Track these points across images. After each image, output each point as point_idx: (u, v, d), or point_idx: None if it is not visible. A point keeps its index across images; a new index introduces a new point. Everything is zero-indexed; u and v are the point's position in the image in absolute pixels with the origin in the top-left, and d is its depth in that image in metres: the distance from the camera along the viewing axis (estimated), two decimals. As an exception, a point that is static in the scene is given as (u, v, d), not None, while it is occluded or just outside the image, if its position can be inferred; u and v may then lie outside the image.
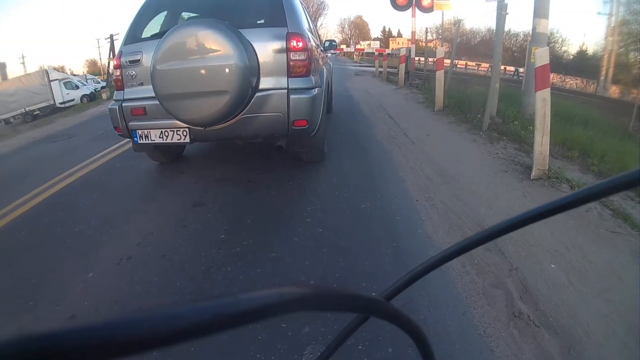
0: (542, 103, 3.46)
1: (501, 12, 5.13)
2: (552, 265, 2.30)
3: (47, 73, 23.49)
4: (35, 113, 21.82)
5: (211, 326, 0.19)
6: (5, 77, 28.58)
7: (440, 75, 6.92)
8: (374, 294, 0.38)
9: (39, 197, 3.91)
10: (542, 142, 3.48)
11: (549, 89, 3.48)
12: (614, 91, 22.15)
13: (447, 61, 10.07)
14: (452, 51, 9.40)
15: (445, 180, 3.57)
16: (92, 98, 23.10)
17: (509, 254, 2.39)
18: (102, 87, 24.91)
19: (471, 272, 2.22)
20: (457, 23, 8.87)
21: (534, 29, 6.00)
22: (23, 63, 47.31)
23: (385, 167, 4.00)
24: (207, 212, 3.13)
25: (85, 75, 36.27)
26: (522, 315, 1.91)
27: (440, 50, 7.05)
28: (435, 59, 8.02)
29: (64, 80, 24.14)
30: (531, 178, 3.53)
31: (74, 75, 34.76)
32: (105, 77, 29.88)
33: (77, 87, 24.44)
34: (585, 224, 2.78)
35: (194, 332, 0.18)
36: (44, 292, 2.33)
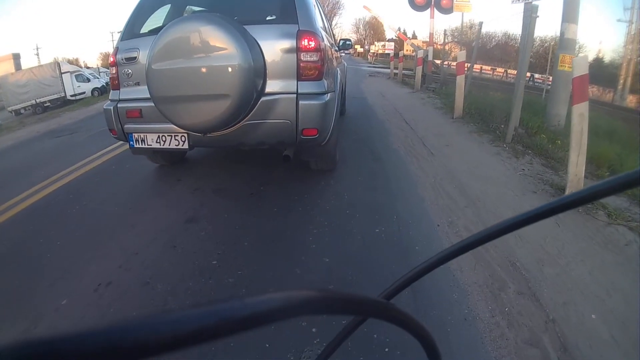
0: (579, 118, 3.09)
1: (530, 14, 4.74)
2: (593, 316, 1.95)
3: (59, 65, 23.40)
4: (45, 105, 21.76)
5: (216, 331, 0.19)
6: (19, 68, 28.49)
7: (460, 80, 6.55)
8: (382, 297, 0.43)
9: (22, 203, 3.64)
10: (577, 162, 3.12)
11: (587, 102, 3.11)
12: (630, 101, 21.56)
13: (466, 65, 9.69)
14: (472, 55, 8.97)
15: (469, 201, 3.21)
16: (103, 91, 22.99)
17: (545, 300, 2.04)
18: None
19: (502, 324, 1.87)
20: (479, 25, 8.44)
21: (562, 34, 5.63)
22: (37, 54, 47.36)
23: (402, 182, 3.66)
24: (200, 231, 2.80)
25: (99, 68, 36.18)
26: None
27: (462, 54, 6.66)
28: (450, 62, 7.64)
29: (76, 73, 24.04)
30: (564, 202, 3.17)
31: (88, 68, 34.85)
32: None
33: (89, 80, 24.31)
34: (626, 261, 2.44)
35: (199, 336, 0.18)
36: (12, 320, 2.06)
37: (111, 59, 3.31)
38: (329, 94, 3.06)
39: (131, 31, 3.33)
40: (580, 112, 3.07)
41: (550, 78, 14.06)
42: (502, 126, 5.40)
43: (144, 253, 2.56)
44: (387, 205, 3.15)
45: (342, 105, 5.17)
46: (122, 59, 3.19)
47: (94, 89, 23.73)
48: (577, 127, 3.10)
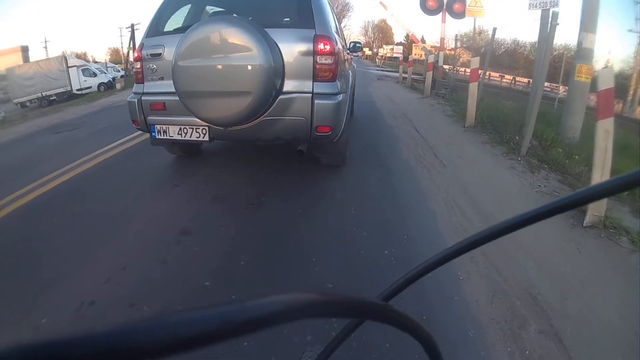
0: (603, 135, 2.88)
1: (550, 22, 4.52)
2: (620, 360, 1.76)
3: (66, 59, 23.41)
4: (51, 98, 21.74)
5: (218, 334, 0.18)
6: (27, 60, 28.52)
7: (473, 87, 6.31)
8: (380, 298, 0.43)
9: (16, 202, 3.48)
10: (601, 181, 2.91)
11: (613, 118, 2.89)
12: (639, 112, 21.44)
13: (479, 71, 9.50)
14: (485, 62, 8.73)
15: (484, 219, 2.99)
16: (110, 86, 22.90)
17: (568, 341, 1.84)
18: (120, 76, 24.77)
19: (523, 368, 1.68)
20: (493, 31, 8.27)
21: (579, 43, 5.40)
22: (45, 47, 47.16)
23: (413, 196, 3.45)
24: (194, 245, 2.60)
25: (106, 62, 36.15)
26: None
27: (475, 61, 6.43)
28: (458, 68, 7.43)
29: (82, 67, 24.08)
30: (584, 225, 2.95)
31: (96, 62, 34.86)
32: (124, 66, 29.54)
33: (95, 75, 24.28)
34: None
35: (200, 339, 0.18)
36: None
37: (136, 54, 3.47)
38: (341, 95, 3.24)
39: (156, 29, 3.48)
40: (606, 129, 2.86)
41: (561, 87, 13.90)
42: (517, 138, 5.18)
43: (133, 268, 2.36)
44: (397, 222, 2.94)
45: (351, 107, 5.22)
46: (147, 55, 3.34)
47: (100, 84, 23.67)
48: (601, 145, 2.88)
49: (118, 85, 18.92)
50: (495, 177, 4.04)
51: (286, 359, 1.62)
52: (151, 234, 2.79)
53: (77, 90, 22.45)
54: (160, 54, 3.29)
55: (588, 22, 5.35)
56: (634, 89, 21.90)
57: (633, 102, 21.80)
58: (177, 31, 3.42)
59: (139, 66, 3.41)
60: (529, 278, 2.28)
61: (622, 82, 23.56)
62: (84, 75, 23.63)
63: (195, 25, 2.87)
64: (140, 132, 3.96)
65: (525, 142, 4.70)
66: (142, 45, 3.42)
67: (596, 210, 2.92)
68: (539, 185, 3.80)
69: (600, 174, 2.90)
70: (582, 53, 5.40)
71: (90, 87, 23.04)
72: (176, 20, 3.66)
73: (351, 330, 0.45)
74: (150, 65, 3.34)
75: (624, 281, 2.36)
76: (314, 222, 2.93)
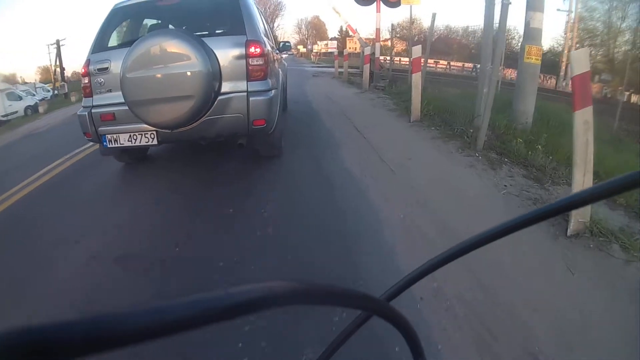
0: (583, 127, 2.42)
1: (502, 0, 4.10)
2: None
3: (-13, 85, 21.62)
4: (-26, 130, 19.82)
5: (200, 320, 0.19)
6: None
7: (417, 78, 5.74)
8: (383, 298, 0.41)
9: None
10: (584, 182, 2.45)
11: (592, 107, 2.44)
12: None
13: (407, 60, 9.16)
14: (426, 50, 8.29)
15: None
16: (36, 109, 21.25)
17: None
18: (51, 96, 23.08)
19: None
20: (432, 17, 7.89)
21: (527, 23, 5.12)
22: (-29, 72, 43.82)
23: (363, 219, 2.87)
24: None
25: (35, 83, 33.91)
26: None
27: (417, 49, 5.89)
28: (394, 57, 6.98)
29: (7, 91, 22.36)
30: (568, 235, 2.49)
31: (25, 83, 32.83)
32: (54, 85, 27.47)
33: (21, 98, 22.63)
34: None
35: (183, 325, 0.18)
36: None
37: (83, 70, 3.63)
38: (273, 90, 3.56)
39: (101, 44, 3.70)
40: (585, 119, 2.40)
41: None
42: (471, 131, 4.73)
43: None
44: (346, 262, 2.34)
45: (284, 102, 5.49)
46: (95, 70, 3.53)
47: (27, 107, 22.18)
48: (581, 139, 2.42)
49: (41, 109, 17.43)
50: (455, 180, 3.55)
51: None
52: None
53: (3, 116, 20.76)
54: (107, 68, 3.49)
55: (534, 1, 5.09)
56: (565, 64, 23.29)
57: (566, 77, 23.24)
58: (121, 45, 3.71)
59: (87, 81, 3.58)
60: (523, 326, 1.77)
61: (552, 58, 25.73)
62: (8, 99, 22.05)
63: (139, 40, 3.12)
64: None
65: (482, 135, 4.24)
66: (88, 61, 3.58)
67: (580, 215, 2.48)
68: (505, 185, 3.36)
69: (583, 172, 2.45)
70: (530, 33, 5.16)
71: (16, 112, 21.55)
72: (118, 34, 3.98)
73: (352, 331, 0.44)
74: (98, 79, 3.53)
75: (631, 305, 1.93)
76: (240, 278, 2.26)
